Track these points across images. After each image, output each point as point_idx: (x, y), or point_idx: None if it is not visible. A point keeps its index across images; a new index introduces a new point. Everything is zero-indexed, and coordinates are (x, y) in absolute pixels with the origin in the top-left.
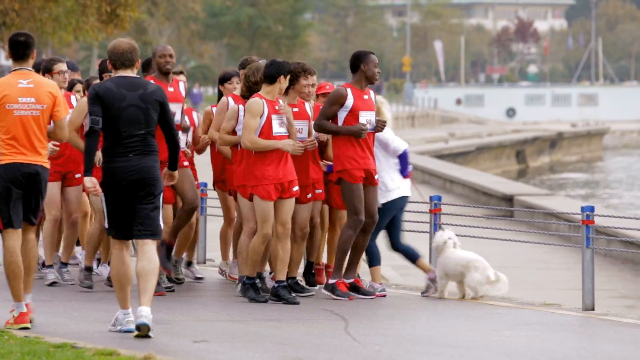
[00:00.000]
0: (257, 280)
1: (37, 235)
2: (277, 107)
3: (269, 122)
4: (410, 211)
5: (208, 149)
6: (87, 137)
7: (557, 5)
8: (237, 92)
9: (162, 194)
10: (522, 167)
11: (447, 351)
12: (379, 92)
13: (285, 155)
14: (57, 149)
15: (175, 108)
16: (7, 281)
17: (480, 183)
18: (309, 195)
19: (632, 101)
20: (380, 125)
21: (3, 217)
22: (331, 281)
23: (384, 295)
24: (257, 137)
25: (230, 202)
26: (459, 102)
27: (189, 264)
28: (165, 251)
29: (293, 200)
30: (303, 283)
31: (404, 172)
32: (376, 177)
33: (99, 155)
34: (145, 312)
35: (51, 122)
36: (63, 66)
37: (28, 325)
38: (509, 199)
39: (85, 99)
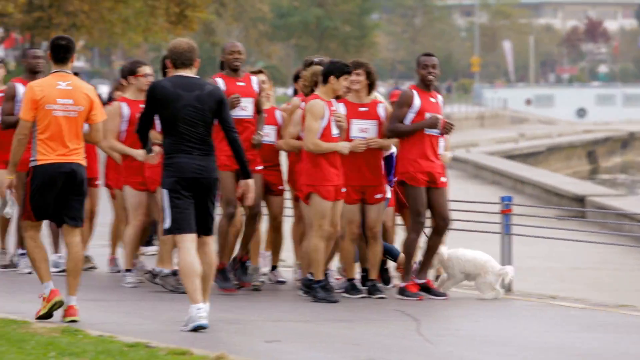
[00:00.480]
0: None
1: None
2: (332, 108)
3: (329, 123)
4: (480, 212)
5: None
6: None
7: (627, 5)
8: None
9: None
10: (594, 167)
11: (520, 353)
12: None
13: (341, 157)
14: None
15: (246, 103)
16: (32, 265)
17: (551, 183)
18: (378, 196)
19: None
20: (447, 128)
21: (35, 213)
22: (401, 285)
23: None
24: (319, 140)
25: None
26: (528, 102)
27: (273, 267)
28: (241, 267)
29: (342, 202)
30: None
31: (388, 175)
32: (443, 179)
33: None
34: (205, 312)
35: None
36: (147, 69)
37: (62, 298)
38: (580, 200)
39: (115, 104)
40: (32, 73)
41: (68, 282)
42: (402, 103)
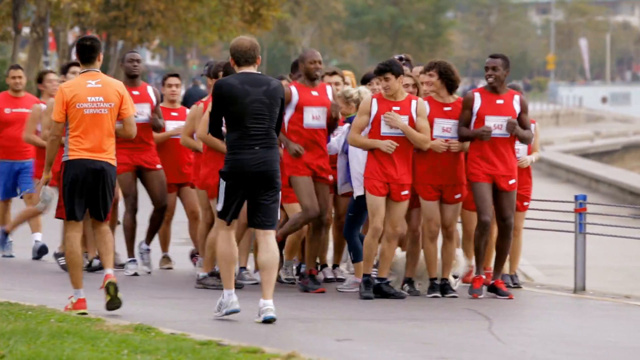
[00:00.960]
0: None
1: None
2: (394, 108)
3: (377, 121)
4: (555, 210)
5: None
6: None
7: None
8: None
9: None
10: None
11: (593, 352)
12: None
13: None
14: None
15: (318, 112)
16: (67, 269)
17: (627, 182)
18: (458, 196)
19: None
20: (509, 127)
21: (67, 209)
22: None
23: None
24: (357, 135)
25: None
26: (604, 100)
27: (335, 266)
28: (311, 279)
29: (405, 203)
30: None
31: None
32: (511, 182)
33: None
34: (270, 306)
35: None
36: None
37: (85, 310)
38: None
39: (194, 107)
40: (130, 77)
41: (102, 260)
42: (464, 106)
